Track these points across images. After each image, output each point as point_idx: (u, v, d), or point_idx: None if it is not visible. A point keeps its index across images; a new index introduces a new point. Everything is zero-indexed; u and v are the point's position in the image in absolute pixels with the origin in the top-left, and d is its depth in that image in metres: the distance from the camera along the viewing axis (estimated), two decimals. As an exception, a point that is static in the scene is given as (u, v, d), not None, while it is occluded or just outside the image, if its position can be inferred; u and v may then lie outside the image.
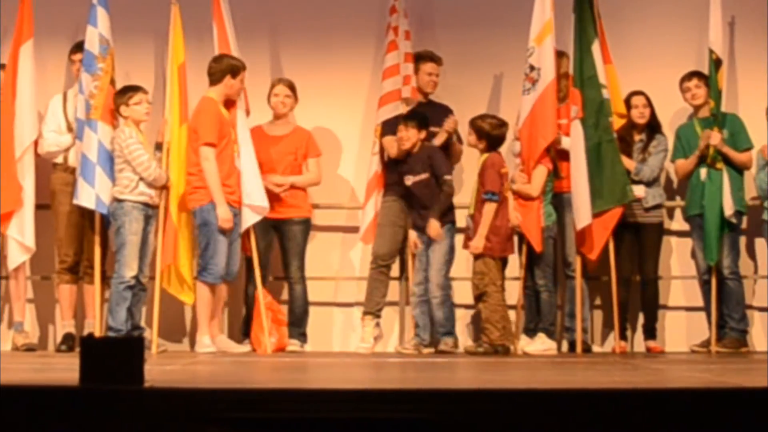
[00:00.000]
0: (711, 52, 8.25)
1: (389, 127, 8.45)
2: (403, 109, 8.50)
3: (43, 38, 8.55)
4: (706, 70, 8.42)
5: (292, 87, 8.57)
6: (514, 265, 8.30)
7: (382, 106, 8.57)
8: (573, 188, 8.15)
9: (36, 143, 8.29)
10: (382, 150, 8.53)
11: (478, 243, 7.94)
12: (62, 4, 8.75)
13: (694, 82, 8.45)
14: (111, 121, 8.04)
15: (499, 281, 7.99)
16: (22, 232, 8.16)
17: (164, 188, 8.05)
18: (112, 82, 8.12)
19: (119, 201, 7.95)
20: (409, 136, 8.18)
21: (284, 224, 8.44)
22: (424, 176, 8.14)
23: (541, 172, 8.11)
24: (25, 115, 8.19)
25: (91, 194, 7.94)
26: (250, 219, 8.14)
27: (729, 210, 8.21)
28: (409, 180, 8.19)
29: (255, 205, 8.11)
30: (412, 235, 8.25)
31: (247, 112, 8.31)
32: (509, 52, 8.72)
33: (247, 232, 8.19)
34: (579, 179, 8.12)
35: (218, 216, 7.93)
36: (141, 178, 7.94)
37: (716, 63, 8.23)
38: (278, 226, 8.44)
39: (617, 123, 8.36)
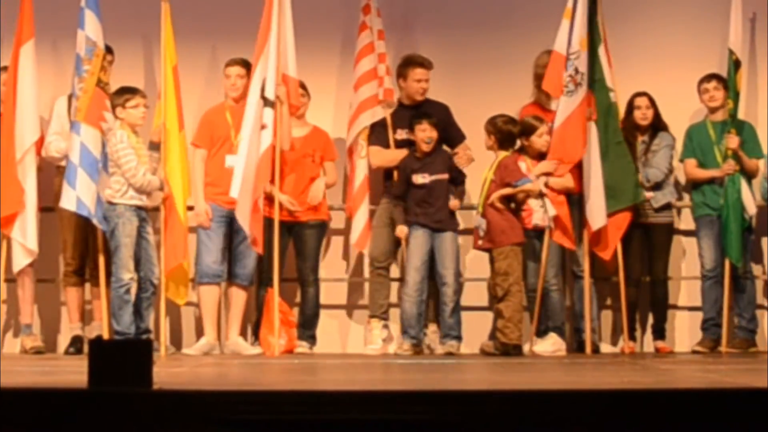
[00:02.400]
0: (731, 53, 8.24)
1: (375, 135, 8.43)
2: (384, 113, 8.45)
3: (48, 39, 8.56)
4: (715, 70, 8.45)
5: (304, 86, 8.51)
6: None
7: (362, 112, 8.46)
8: (587, 190, 8.14)
9: (37, 144, 8.24)
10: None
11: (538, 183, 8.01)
12: (63, 4, 8.70)
13: (713, 84, 8.43)
14: (96, 122, 7.92)
15: (521, 280, 7.99)
16: (25, 235, 8.11)
17: (161, 191, 8.05)
18: (100, 83, 7.98)
19: (111, 204, 7.95)
20: (433, 136, 8.23)
21: (299, 227, 8.40)
22: (444, 176, 8.21)
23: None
24: (26, 116, 8.12)
25: (72, 196, 7.84)
26: (239, 213, 7.94)
27: (752, 210, 8.23)
28: (426, 178, 8.20)
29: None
30: (403, 230, 8.21)
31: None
32: (499, 54, 8.73)
33: (261, 230, 8.09)
34: (593, 181, 8.12)
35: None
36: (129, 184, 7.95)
37: (736, 64, 8.22)
38: (293, 228, 8.40)
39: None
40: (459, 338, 8.18)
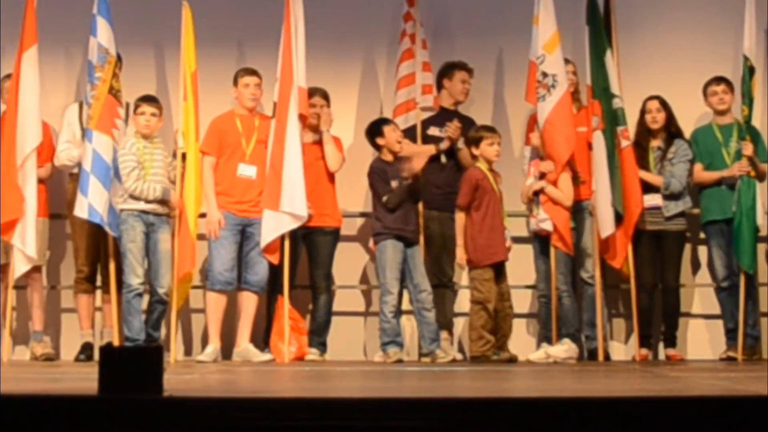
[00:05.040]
0: (746, 59, 8.23)
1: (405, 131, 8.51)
2: (416, 118, 8.55)
3: (60, 46, 8.57)
4: (729, 77, 8.48)
5: (326, 96, 8.55)
6: (528, 273, 8.36)
7: (398, 116, 8.57)
8: (597, 198, 8.15)
9: (39, 151, 8.15)
10: None
11: (460, 254, 8.11)
12: (75, 12, 8.71)
13: (722, 87, 8.45)
14: (108, 129, 7.93)
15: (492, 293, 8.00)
16: (24, 242, 8.03)
17: (167, 200, 8.08)
18: (112, 90, 7.98)
19: (119, 211, 7.98)
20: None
21: (313, 233, 8.39)
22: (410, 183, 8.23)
23: (566, 179, 8.14)
24: (27, 121, 8.06)
25: (84, 204, 7.85)
26: (285, 226, 8.08)
27: (761, 217, 8.21)
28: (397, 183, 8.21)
29: (294, 214, 8.05)
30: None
31: (273, 114, 8.18)
32: (522, 59, 8.76)
33: (279, 240, 8.13)
34: (602, 189, 8.12)
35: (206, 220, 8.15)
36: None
37: (750, 70, 8.22)
38: (306, 235, 8.39)
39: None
40: (439, 344, 8.22)
